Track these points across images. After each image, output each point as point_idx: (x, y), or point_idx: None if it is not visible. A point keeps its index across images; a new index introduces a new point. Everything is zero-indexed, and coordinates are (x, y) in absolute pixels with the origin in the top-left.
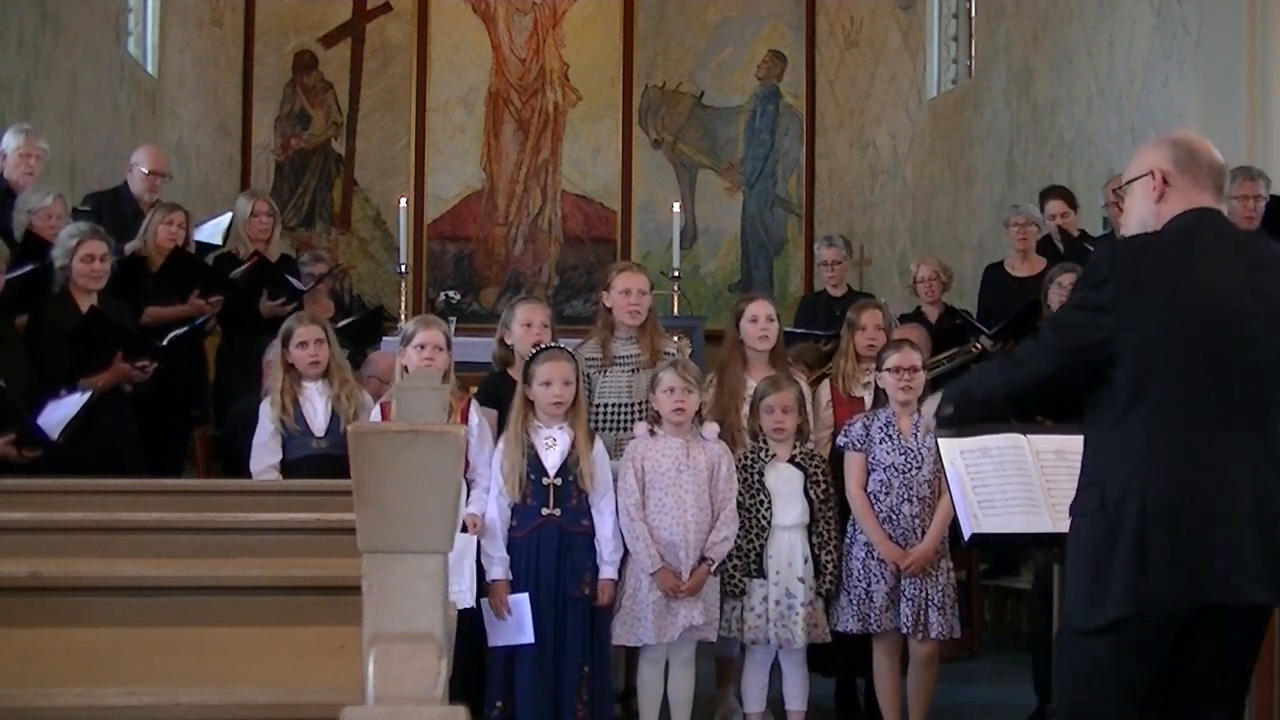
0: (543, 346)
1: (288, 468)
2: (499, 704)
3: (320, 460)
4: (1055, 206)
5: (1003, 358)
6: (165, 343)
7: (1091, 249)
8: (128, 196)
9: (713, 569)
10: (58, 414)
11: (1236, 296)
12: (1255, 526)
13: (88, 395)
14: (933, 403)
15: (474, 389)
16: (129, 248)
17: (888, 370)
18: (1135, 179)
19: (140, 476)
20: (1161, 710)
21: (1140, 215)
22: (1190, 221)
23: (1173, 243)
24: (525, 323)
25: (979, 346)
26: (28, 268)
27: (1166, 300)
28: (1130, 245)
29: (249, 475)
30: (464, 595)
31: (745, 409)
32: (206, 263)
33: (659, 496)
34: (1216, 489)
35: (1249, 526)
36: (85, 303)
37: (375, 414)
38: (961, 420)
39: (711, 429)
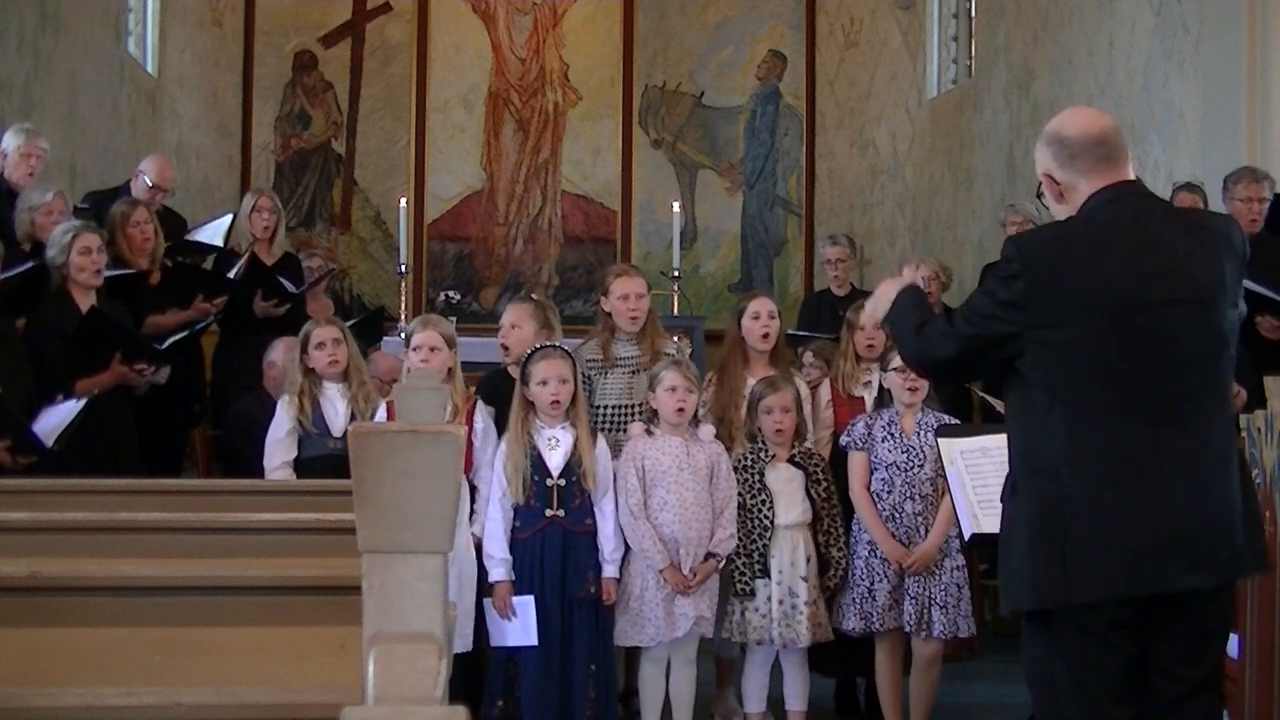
0: (538, 346)
1: (302, 466)
2: (499, 704)
3: (336, 460)
4: None
5: (916, 330)
6: (164, 346)
7: None
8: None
9: (719, 565)
10: (52, 420)
11: (1151, 287)
12: (1189, 516)
13: (82, 403)
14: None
15: (472, 387)
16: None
17: (894, 370)
18: (1040, 182)
19: (139, 476)
20: (1135, 707)
21: (1059, 217)
22: (1102, 207)
23: (1082, 234)
24: (513, 324)
25: None
26: (29, 264)
27: (1076, 298)
28: (1039, 238)
29: (258, 473)
30: (462, 639)
31: (745, 408)
32: (204, 268)
33: (661, 495)
34: (1140, 484)
35: (1179, 517)
36: (85, 303)
37: (381, 413)
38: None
39: (707, 430)
